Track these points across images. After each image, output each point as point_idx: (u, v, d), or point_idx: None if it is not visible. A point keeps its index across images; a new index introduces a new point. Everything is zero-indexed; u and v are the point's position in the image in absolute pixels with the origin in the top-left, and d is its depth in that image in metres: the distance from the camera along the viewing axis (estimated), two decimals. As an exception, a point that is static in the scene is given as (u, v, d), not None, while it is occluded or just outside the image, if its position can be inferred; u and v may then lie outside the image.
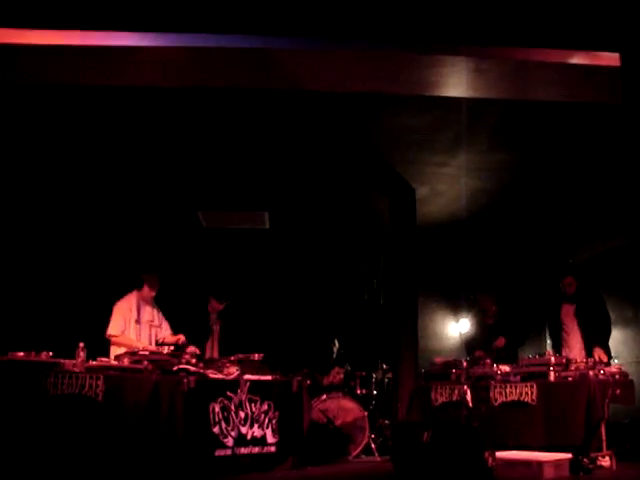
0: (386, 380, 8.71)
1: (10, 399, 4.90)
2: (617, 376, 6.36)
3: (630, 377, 6.59)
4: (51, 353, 5.28)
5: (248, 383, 6.18)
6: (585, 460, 5.72)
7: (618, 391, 6.12)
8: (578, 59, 5.54)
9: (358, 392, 8.37)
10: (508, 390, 6.42)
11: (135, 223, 9.73)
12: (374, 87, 6.10)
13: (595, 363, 6.48)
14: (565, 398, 6.09)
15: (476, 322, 9.01)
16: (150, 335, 7.06)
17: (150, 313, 7.12)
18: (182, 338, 6.71)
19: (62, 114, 6.86)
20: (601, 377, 6.18)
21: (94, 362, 5.54)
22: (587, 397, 5.96)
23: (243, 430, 6.05)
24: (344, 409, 7.88)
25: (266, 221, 10.06)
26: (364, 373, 8.63)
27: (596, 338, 7.29)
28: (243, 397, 6.12)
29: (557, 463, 5.48)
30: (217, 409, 5.86)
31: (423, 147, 7.74)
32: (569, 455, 5.57)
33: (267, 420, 6.30)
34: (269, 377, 6.48)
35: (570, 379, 6.25)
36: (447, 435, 5.36)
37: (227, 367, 6.19)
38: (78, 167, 8.08)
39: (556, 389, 6.20)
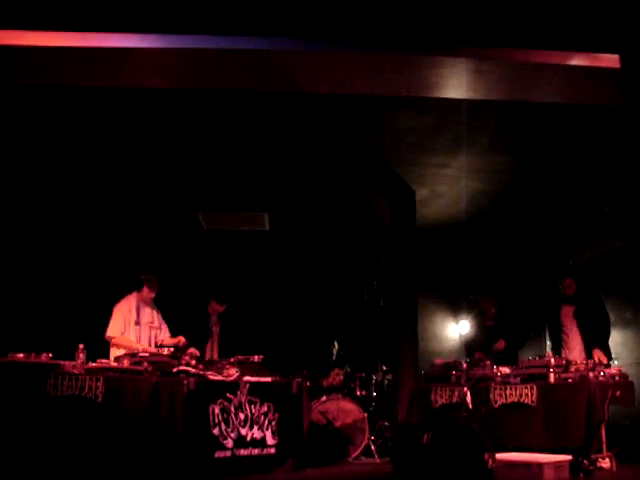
0: (386, 382, 8.71)
1: (10, 400, 4.89)
2: (617, 378, 6.35)
3: (630, 379, 6.58)
4: (51, 354, 5.27)
5: (248, 385, 6.18)
6: (585, 462, 5.71)
7: (618, 393, 6.11)
8: (578, 61, 5.55)
9: (358, 394, 8.36)
10: (508, 392, 6.41)
11: (135, 224, 9.73)
12: (374, 89, 6.10)
13: (595, 365, 6.47)
14: (565, 400, 6.08)
15: (476, 324, 9.01)
16: (150, 337, 7.06)
17: (150, 314, 7.12)
18: (182, 340, 6.71)
19: (62, 116, 6.87)
20: (601, 379, 6.18)
21: (94, 364, 5.54)
22: (587, 399, 5.95)
23: (243, 432, 6.05)
24: (344, 411, 7.87)
25: (266, 222, 10.06)
26: (364, 375, 8.62)
27: (596, 339, 7.28)
28: (243, 399, 6.12)
29: (557, 465, 5.47)
30: (217, 411, 5.86)
31: (423, 148, 7.74)
32: (569, 457, 5.57)
33: (267, 422, 6.30)
34: (269, 379, 6.48)
35: (570, 381, 6.24)
36: (447, 437, 5.36)
37: (227, 369, 6.19)
38: (78, 169, 8.08)
39: (556, 391, 6.20)
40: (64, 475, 4.92)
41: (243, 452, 6.02)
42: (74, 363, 5.29)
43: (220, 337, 7.89)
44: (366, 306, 11.12)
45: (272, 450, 6.30)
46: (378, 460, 7.61)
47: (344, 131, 7.42)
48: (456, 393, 6.69)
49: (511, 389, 6.40)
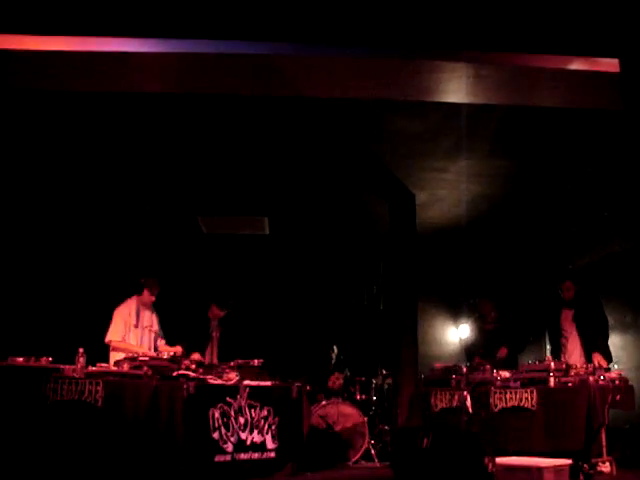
0: (386, 386, 8.71)
1: (10, 404, 4.89)
2: (617, 382, 6.34)
3: (630, 383, 6.57)
4: (51, 359, 5.28)
5: (248, 389, 6.18)
6: (585, 466, 5.71)
7: (618, 397, 6.11)
8: (578, 65, 5.55)
9: (358, 398, 8.36)
10: (508, 396, 6.41)
11: (135, 228, 9.73)
12: (374, 93, 6.11)
13: (595, 369, 6.46)
14: (565, 404, 6.08)
15: (476, 328, 9.00)
16: (150, 340, 7.07)
17: (149, 318, 7.13)
18: (180, 350, 6.67)
19: (62, 120, 6.87)
20: (601, 383, 6.17)
21: (94, 368, 5.53)
22: (587, 403, 5.94)
23: (243, 436, 6.04)
24: (344, 415, 7.87)
25: (266, 226, 10.06)
26: (364, 379, 8.63)
27: (595, 343, 7.28)
28: (243, 403, 6.11)
29: (557, 469, 5.45)
30: (217, 415, 5.85)
31: (423, 153, 7.75)
32: (569, 461, 5.55)
33: (267, 426, 6.30)
34: (269, 383, 6.48)
35: (570, 385, 6.24)
36: (447, 441, 5.36)
37: (227, 373, 6.19)
38: (78, 173, 8.09)
39: (556, 395, 6.19)
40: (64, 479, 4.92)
41: (243, 456, 6.01)
42: (74, 367, 5.29)
43: (220, 342, 7.89)
44: (366, 310, 11.12)
45: (272, 454, 6.29)
46: (378, 464, 7.60)
47: (344, 135, 7.42)
48: (456, 397, 6.69)
49: (511, 393, 6.40)
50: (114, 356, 6.63)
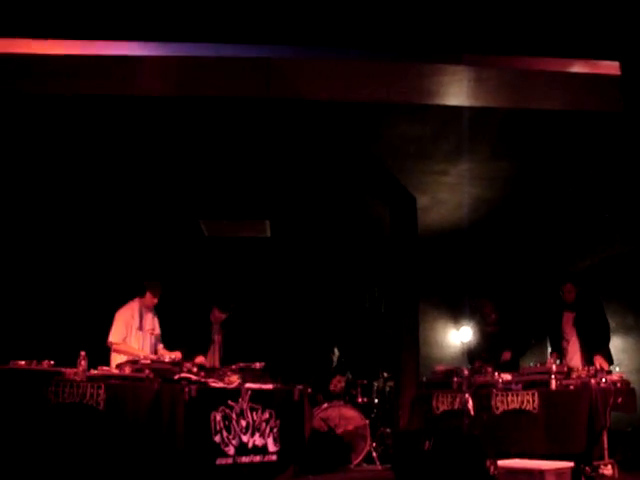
0: (387, 388, 8.71)
1: (11, 408, 4.90)
2: (619, 384, 6.33)
3: (632, 385, 6.56)
4: (52, 362, 5.28)
5: (249, 392, 6.17)
6: (587, 469, 5.70)
7: (620, 399, 6.10)
8: (578, 68, 5.56)
9: (359, 400, 8.37)
10: (510, 398, 6.40)
11: (137, 231, 9.74)
12: (375, 96, 6.12)
13: (596, 371, 6.46)
14: (567, 406, 6.07)
15: (478, 330, 9.00)
16: (151, 343, 7.07)
17: (151, 321, 7.13)
18: (179, 356, 6.66)
19: (65, 124, 6.88)
20: (603, 385, 6.16)
21: (95, 371, 5.54)
22: (589, 405, 5.94)
23: (244, 439, 6.04)
24: (345, 417, 7.87)
25: (267, 229, 10.06)
26: (365, 381, 8.64)
27: (596, 346, 7.27)
28: (244, 406, 6.11)
29: (559, 472, 5.45)
30: (218, 418, 5.85)
31: (424, 156, 7.75)
32: (571, 464, 5.54)
33: (268, 429, 6.29)
34: (270, 386, 6.47)
35: (571, 387, 6.24)
36: (448, 443, 5.36)
37: (228, 376, 6.19)
38: (81, 176, 8.09)
39: (558, 397, 6.19)
40: (66, 482, 4.93)
41: (245, 459, 6.01)
42: (76, 370, 5.29)
43: (222, 345, 7.89)
44: (367, 313, 11.12)
45: (274, 457, 6.29)
46: (380, 467, 7.61)
47: (345, 139, 7.43)
48: (458, 400, 6.68)
49: (513, 395, 6.39)
50: (115, 358, 6.63)
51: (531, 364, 6.96)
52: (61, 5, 5.18)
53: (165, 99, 6.28)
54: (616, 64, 5.47)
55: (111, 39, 5.24)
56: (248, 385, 6.22)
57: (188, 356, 6.77)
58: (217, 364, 7.56)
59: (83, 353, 5.40)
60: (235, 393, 6.07)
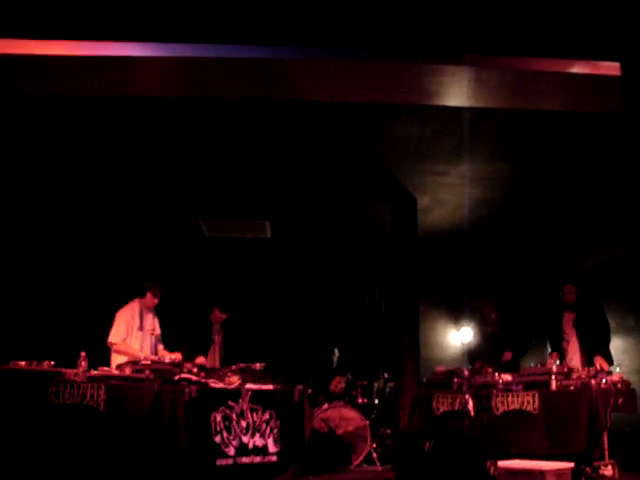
0: (387, 389, 8.71)
1: (12, 408, 4.90)
2: (619, 385, 6.33)
3: (632, 386, 6.57)
4: (53, 362, 5.28)
5: (250, 392, 6.17)
6: (587, 469, 5.71)
7: (620, 400, 6.10)
8: (579, 68, 5.56)
9: (359, 401, 8.36)
10: (510, 399, 6.40)
11: (137, 232, 9.74)
12: (375, 97, 6.11)
13: (597, 372, 6.46)
14: (567, 407, 6.07)
15: (478, 330, 9.00)
16: (152, 344, 7.07)
17: (151, 322, 7.13)
18: (179, 357, 6.66)
19: (65, 124, 6.88)
20: (603, 386, 6.16)
21: (96, 371, 5.54)
22: (589, 406, 5.94)
23: (244, 439, 6.04)
24: (345, 418, 7.87)
25: (267, 230, 10.07)
26: (365, 382, 8.63)
27: (596, 346, 7.27)
28: (245, 406, 6.11)
29: (559, 472, 5.45)
30: (219, 418, 5.85)
31: (424, 156, 7.75)
32: (571, 464, 5.55)
33: (268, 429, 6.29)
34: (270, 386, 6.47)
35: (572, 388, 6.24)
36: (449, 444, 5.36)
37: (229, 376, 6.19)
38: (81, 176, 8.10)
39: (558, 398, 6.19)
40: (66, 483, 4.93)
41: (245, 460, 6.01)
42: (76, 371, 5.29)
43: (222, 345, 7.89)
44: (368, 313, 11.12)
45: (274, 458, 6.29)
46: (380, 468, 7.60)
47: (345, 139, 7.43)
48: (458, 400, 6.68)
49: (513, 396, 6.39)
50: (115, 359, 6.63)
51: (531, 365, 6.97)
52: (61, 6, 5.18)
53: (165, 100, 6.28)
54: (616, 65, 5.47)
55: (111, 40, 5.24)
56: (248, 386, 6.22)
57: (189, 356, 6.78)
58: (217, 364, 7.57)
59: (83, 354, 5.40)
60: (235, 394, 6.07)
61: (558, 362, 7.27)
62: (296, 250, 10.79)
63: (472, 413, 6.42)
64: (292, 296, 10.71)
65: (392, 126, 7.05)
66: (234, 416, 5.98)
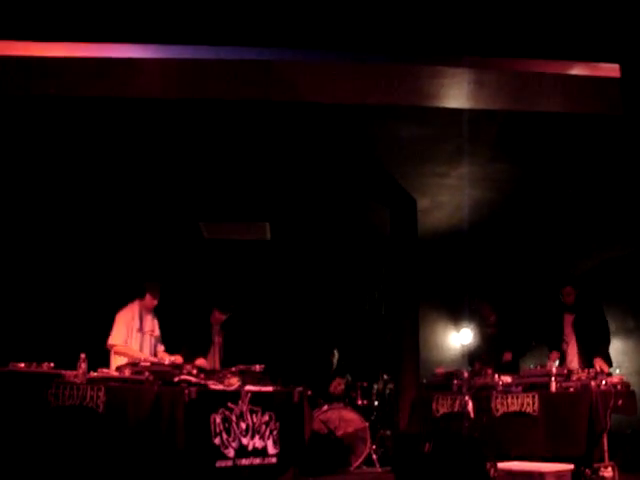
0: (387, 391, 8.71)
1: (11, 410, 4.89)
2: (619, 387, 6.32)
3: (632, 388, 6.56)
4: (52, 364, 5.28)
5: (249, 394, 6.16)
6: (587, 471, 5.70)
7: (620, 402, 6.09)
8: (578, 70, 5.56)
9: (359, 403, 8.36)
10: (510, 400, 6.40)
11: (137, 233, 9.74)
12: (375, 99, 6.12)
13: (597, 373, 6.46)
14: (567, 409, 6.07)
15: (478, 332, 9.00)
16: (151, 345, 7.06)
17: (151, 323, 7.12)
18: (180, 359, 6.65)
19: (65, 125, 6.88)
20: (603, 388, 6.15)
21: (95, 373, 5.53)
22: (589, 408, 5.93)
23: (244, 441, 6.03)
24: (345, 420, 7.87)
25: (267, 232, 10.07)
26: (365, 384, 8.63)
27: (595, 348, 7.27)
28: (244, 408, 6.10)
29: (559, 474, 5.45)
30: (218, 420, 5.84)
31: (424, 158, 7.75)
32: (571, 466, 5.54)
33: (268, 431, 6.29)
34: (270, 388, 6.46)
35: (572, 390, 6.23)
36: (448, 446, 5.36)
37: (228, 378, 6.18)
38: (81, 178, 8.10)
39: (558, 400, 6.18)
40: (65, 485, 4.92)
41: (244, 462, 6.00)
42: (75, 373, 5.29)
43: (222, 346, 7.89)
44: (367, 315, 11.11)
45: (273, 459, 6.28)
46: (380, 469, 7.61)
47: (345, 141, 7.43)
48: (458, 402, 6.68)
49: (513, 398, 6.39)
50: (116, 360, 6.63)
51: (531, 366, 6.96)
52: (61, 8, 5.18)
53: (165, 101, 6.28)
54: (616, 66, 5.48)
55: (111, 42, 5.24)
56: (248, 387, 6.21)
57: (189, 358, 6.77)
58: (217, 366, 7.57)
59: (83, 355, 5.40)
60: (235, 395, 6.07)
61: (557, 363, 7.27)
62: (296, 252, 10.78)
63: (472, 415, 6.42)
64: (292, 298, 10.71)
65: (392, 128, 7.05)
66: (234, 418, 5.98)
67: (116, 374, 5.73)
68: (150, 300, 7.06)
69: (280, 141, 7.37)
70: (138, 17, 5.25)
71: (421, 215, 8.84)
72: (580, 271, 10.00)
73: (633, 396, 6.44)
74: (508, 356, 8.00)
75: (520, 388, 6.44)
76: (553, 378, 6.27)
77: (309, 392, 7.17)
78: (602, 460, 5.93)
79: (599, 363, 7.01)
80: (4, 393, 4.92)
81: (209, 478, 5.65)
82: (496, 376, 6.75)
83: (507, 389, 6.53)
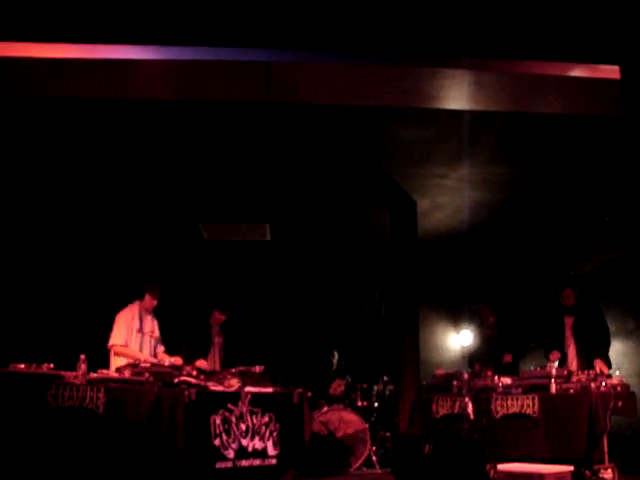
0: (387, 392, 8.70)
1: (11, 411, 4.89)
2: (619, 388, 6.32)
3: (632, 389, 6.56)
4: (52, 365, 5.27)
5: (249, 395, 6.16)
6: (587, 472, 5.69)
7: (620, 403, 6.09)
8: (578, 72, 5.57)
9: (359, 404, 8.36)
10: (509, 402, 6.39)
11: (137, 235, 9.74)
12: (375, 100, 6.12)
13: (597, 375, 6.45)
14: (567, 410, 6.06)
15: (478, 334, 9.00)
16: (151, 346, 7.06)
17: (151, 324, 7.11)
18: (179, 361, 6.65)
19: (64, 127, 6.89)
20: (603, 389, 6.15)
21: (95, 374, 5.53)
22: (589, 409, 5.93)
23: (244, 442, 6.03)
24: (345, 421, 7.87)
25: (267, 233, 10.07)
26: (365, 385, 8.62)
27: (595, 350, 7.26)
28: (244, 409, 6.10)
29: (559, 475, 5.44)
30: (218, 421, 5.84)
31: (424, 160, 7.76)
32: (571, 467, 5.54)
33: (268, 432, 6.28)
34: (270, 389, 6.46)
35: (572, 391, 6.23)
36: (448, 447, 5.35)
37: (228, 379, 6.18)
38: (81, 179, 8.10)
39: (558, 401, 6.18)
40: (65, 486, 4.92)
41: (244, 463, 5.99)
42: (75, 374, 5.28)
43: (222, 347, 7.88)
44: (367, 316, 11.11)
45: (273, 461, 6.28)
46: (379, 471, 7.60)
47: (345, 142, 7.43)
48: (457, 404, 6.67)
49: (512, 399, 6.38)
50: (116, 361, 6.62)
51: (531, 368, 6.95)
52: (61, 9, 5.19)
53: (165, 103, 6.29)
54: (616, 68, 5.48)
55: (111, 43, 5.25)
56: (248, 389, 6.21)
57: (189, 359, 6.77)
58: (217, 367, 7.56)
59: (83, 356, 5.39)
60: (235, 396, 6.07)
61: (557, 364, 7.26)
62: (296, 253, 10.78)
63: (472, 416, 6.41)
64: (292, 299, 10.70)
65: (392, 129, 7.06)
66: (233, 419, 5.98)
67: (116, 375, 5.73)
68: (149, 301, 7.06)
69: (280, 142, 7.37)
70: (138, 18, 5.25)
71: (421, 216, 8.84)
72: (580, 273, 9.99)
73: (633, 397, 6.44)
74: (508, 358, 7.99)
75: (520, 390, 6.44)
76: (553, 380, 6.27)
77: (309, 393, 7.16)
78: (602, 462, 5.92)
79: (599, 364, 7.00)
80: (4, 394, 4.91)
81: (209, 479, 5.64)
82: (496, 378, 6.74)
83: (507, 391, 6.52)
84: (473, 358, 8.62)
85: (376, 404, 8.61)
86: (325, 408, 7.92)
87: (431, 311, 11.12)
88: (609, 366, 7.17)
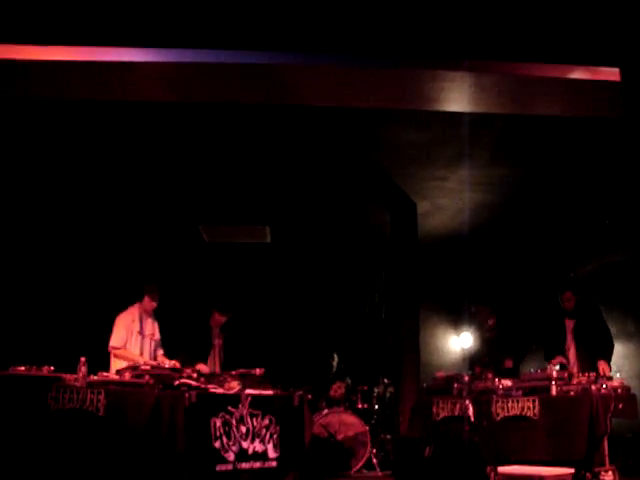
0: (388, 394, 8.70)
1: (11, 414, 4.89)
2: (619, 390, 6.32)
3: (632, 391, 6.55)
4: (52, 368, 5.27)
5: (249, 398, 6.15)
6: (588, 475, 5.69)
7: (621, 405, 6.09)
8: (578, 74, 5.57)
9: (359, 406, 8.36)
10: (510, 405, 6.39)
11: (137, 237, 9.74)
12: (375, 102, 6.12)
13: (597, 377, 6.45)
14: (567, 412, 6.06)
15: (478, 336, 8.99)
16: (151, 349, 7.06)
17: (151, 326, 7.12)
18: (177, 366, 6.64)
19: (65, 129, 6.89)
20: (603, 391, 6.15)
21: (95, 377, 5.53)
22: (589, 411, 5.93)
23: (244, 445, 6.02)
24: (345, 423, 7.86)
25: (267, 235, 10.07)
26: (365, 387, 8.62)
27: (597, 353, 7.25)
28: (244, 412, 6.09)
29: (559, 478, 5.44)
30: (218, 424, 5.83)
31: (424, 162, 7.76)
32: (571, 470, 5.54)
33: (268, 435, 6.28)
34: (270, 392, 6.46)
35: (572, 393, 6.23)
36: (449, 450, 5.35)
37: (228, 382, 6.18)
38: (81, 181, 8.10)
39: (558, 403, 6.18)
40: (65, 489, 4.91)
41: (244, 465, 5.99)
42: (76, 376, 5.28)
43: (223, 349, 7.88)
44: (368, 319, 11.11)
45: (274, 463, 6.27)
46: (380, 473, 7.60)
47: (345, 144, 7.43)
48: (458, 406, 6.67)
49: (513, 402, 6.38)
50: (115, 363, 6.63)
51: (531, 370, 6.95)
52: (61, 11, 5.19)
53: (165, 105, 6.29)
54: (616, 70, 5.48)
55: (111, 45, 5.25)
56: (248, 391, 6.20)
57: (187, 362, 6.76)
58: (218, 369, 7.56)
59: (83, 359, 5.39)
60: (235, 399, 6.06)
61: (558, 367, 7.25)
62: (296, 255, 10.78)
63: (472, 419, 6.40)
64: (292, 301, 10.70)
65: (392, 131, 7.06)
66: (234, 421, 5.97)
67: (116, 378, 5.73)
68: (149, 302, 7.06)
69: (280, 145, 7.37)
70: (138, 20, 5.25)
71: (421, 218, 8.84)
72: (581, 275, 9.98)
73: (633, 400, 6.43)
74: (509, 363, 7.98)
75: (520, 392, 6.43)
76: (553, 382, 6.27)
77: (309, 396, 7.17)
78: (602, 464, 5.92)
79: (602, 366, 6.99)
80: (4, 397, 4.91)
81: (209, 482, 5.64)
82: (496, 380, 6.74)
83: (507, 393, 6.52)
84: (473, 360, 8.61)
85: (376, 406, 8.61)
86: (325, 410, 7.92)
87: (431, 313, 11.12)
88: (610, 369, 7.16)
